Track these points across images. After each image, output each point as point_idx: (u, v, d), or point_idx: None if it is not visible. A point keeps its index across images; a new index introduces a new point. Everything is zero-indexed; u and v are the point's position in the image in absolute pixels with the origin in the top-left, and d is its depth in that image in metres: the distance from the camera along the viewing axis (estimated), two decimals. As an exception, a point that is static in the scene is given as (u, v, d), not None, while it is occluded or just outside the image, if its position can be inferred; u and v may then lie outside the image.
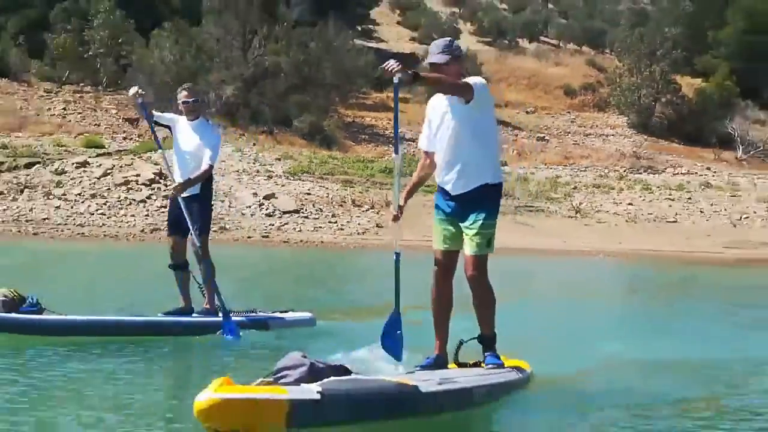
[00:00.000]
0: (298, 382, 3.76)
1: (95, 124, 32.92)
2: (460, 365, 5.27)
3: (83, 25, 36.50)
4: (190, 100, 7.67)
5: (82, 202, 25.27)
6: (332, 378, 3.87)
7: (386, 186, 28.66)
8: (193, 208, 7.50)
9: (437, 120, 5.36)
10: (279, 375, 3.86)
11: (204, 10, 37.82)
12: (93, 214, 24.70)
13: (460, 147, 5.26)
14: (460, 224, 5.28)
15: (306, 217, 26.43)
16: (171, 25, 35.90)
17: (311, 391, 3.63)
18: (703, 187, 34.04)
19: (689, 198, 32.51)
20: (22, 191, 26.42)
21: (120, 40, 36.13)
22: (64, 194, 25.53)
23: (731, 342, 8.56)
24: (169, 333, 7.37)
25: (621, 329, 9.69)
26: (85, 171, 27.15)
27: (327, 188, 29.45)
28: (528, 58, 53.64)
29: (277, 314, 8.05)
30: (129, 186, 26.49)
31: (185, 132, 7.65)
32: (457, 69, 5.34)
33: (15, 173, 27.50)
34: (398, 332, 5.30)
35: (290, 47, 36.57)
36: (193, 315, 7.69)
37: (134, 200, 25.96)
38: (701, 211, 31.24)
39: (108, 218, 24.58)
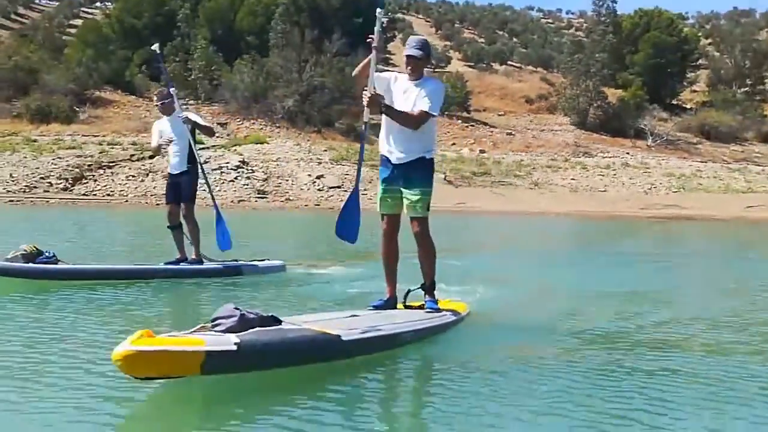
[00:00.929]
0: (228, 330, 3.13)
1: (197, 127, 32.92)
2: (407, 308, 4.48)
3: (187, 57, 36.65)
4: (160, 103, 6.70)
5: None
6: (256, 329, 3.19)
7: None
8: (182, 181, 6.71)
9: (397, 95, 4.34)
10: (214, 323, 3.22)
11: (271, 45, 37.86)
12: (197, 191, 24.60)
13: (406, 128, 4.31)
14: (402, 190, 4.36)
15: (345, 191, 26.14)
16: (248, 57, 36.09)
17: (229, 342, 3.01)
18: (624, 166, 33.47)
19: (614, 174, 31.94)
20: (147, 175, 26.70)
21: (212, 68, 36.28)
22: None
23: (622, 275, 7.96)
24: (162, 276, 6.34)
25: (562, 265, 9.32)
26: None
27: (359, 170, 29.22)
28: (499, 76, 53.05)
29: (252, 262, 6.98)
30: (221, 170, 26.69)
31: (166, 126, 6.68)
32: (425, 65, 4.46)
33: (142, 162, 27.69)
34: (357, 213, 4.51)
35: (332, 71, 36.19)
36: (184, 263, 6.72)
37: (225, 180, 26.21)
38: (623, 184, 30.77)
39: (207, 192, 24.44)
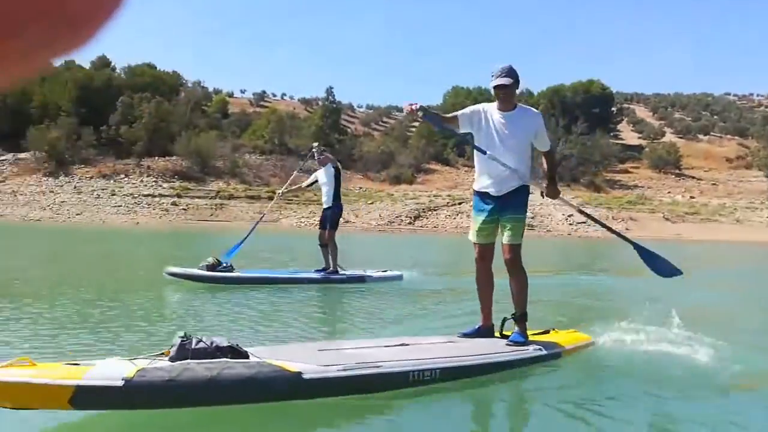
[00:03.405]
0: (173, 359, 2.43)
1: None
2: (503, 336, 3.60)
3: None
4: (318, 159, 7.08)
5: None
6: (188, 361, 2.43)
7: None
8: (327, 214, 7.07)
9: (492, 127, 3.54)
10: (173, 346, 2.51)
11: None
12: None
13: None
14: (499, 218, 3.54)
15: (587, 225, 31.17)
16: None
17: (115, 377, 2.26)
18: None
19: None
20: (458, 214, 36.35)
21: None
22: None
23: None
24: (306, 282, 6.73)
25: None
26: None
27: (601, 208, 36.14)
28: (704, 144, 57.21)
29: (370, 272, 7.18)
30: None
31: (322, 173, 7.21)
32: (515, 91, 3.54)
33: (454, 207, 35.56)
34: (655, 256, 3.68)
35: (577, 145, 43.05)
36: (323, 273, 7.02)
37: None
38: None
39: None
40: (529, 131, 3.59)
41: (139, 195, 37.96)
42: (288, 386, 2.52)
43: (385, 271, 7.46)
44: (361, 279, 7.09)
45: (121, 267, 9.27)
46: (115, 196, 38.03)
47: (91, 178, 40.70)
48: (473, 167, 3.79)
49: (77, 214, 35.49)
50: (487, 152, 3.52)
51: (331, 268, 7.11)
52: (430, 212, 38.34)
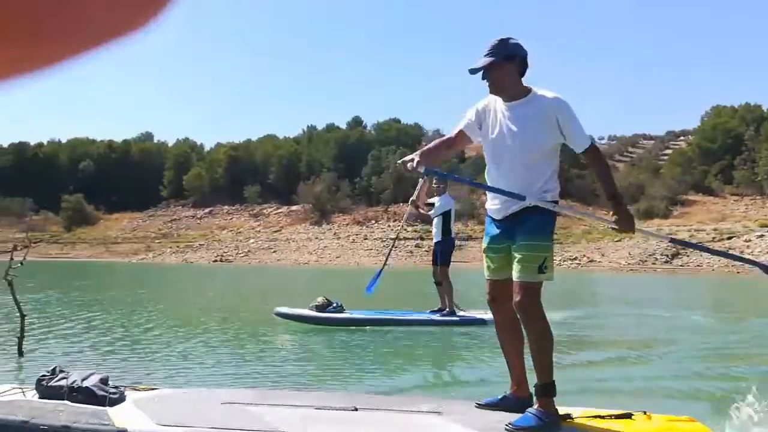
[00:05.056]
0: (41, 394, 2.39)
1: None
2: None
3: (753, 165, 40.68)
4: (436, 186, 6.61)
5: None
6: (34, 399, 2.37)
7: None
8: (438, 249, 6.73)
9: (497, 123, 2.56)
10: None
11: None
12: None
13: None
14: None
15: None
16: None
17: None
18: None
19: None
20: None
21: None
22: None
23: None
24: (417, 324, 6.44)
25: None
26: None
27: None
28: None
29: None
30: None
31: (437, 203, 6.69)
32: (511, 69, 2.47)
33: (722, 242, 34.56)
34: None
35: None
36: (439, 314, 6.66)
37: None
38: None
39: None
40: (541, 125, 2.48)
41: (387, 238, 40.84)
42: None
43: None
44: (480, 322, 6.30)
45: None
46: (366, 240, 41.52)
47: (347, 225, 45.63)
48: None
49: (337, 257, 39.64)
50: (481, 181, 2.74)
51: (447, 309, 6.63)
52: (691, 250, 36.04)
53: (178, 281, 17.99)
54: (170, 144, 68.60)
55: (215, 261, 41.85)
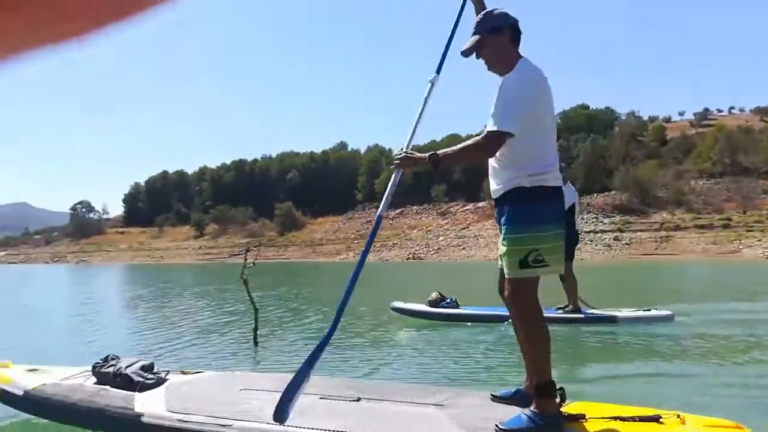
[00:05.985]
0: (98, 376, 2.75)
1: None
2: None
3: None
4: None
5: None
6: (67, 382, 2.74)
7: None
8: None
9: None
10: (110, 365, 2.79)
11: None
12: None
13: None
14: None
15: None
16: None
17: (20, 387, 2.72)
18: None
19: None
20: None
21: None
22: None
23: None
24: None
25: None
26: None
27: None
28: None
29: (630, 312, 6.04)
30: None
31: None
32: (501, 41, 2.34)
33: None
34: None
35: None
36: (561, 311, 6.15)
37: None
38: None
39: None
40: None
41: (581, 232, 39.18)
42: (126, 426, 2.43)
43: (648, 309, 6.14)
44: (611, 319, 5.92)
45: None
46: (559, 234, 40.39)
47: (537, 219, 44.40)
48: None
49: (524, 253, 39.23)
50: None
51: (571, 306, 6.19)
52: None
53: (379, 280, 18.67)
54: (362, 151, 73.00)
55: (408, 258, 43.45)
